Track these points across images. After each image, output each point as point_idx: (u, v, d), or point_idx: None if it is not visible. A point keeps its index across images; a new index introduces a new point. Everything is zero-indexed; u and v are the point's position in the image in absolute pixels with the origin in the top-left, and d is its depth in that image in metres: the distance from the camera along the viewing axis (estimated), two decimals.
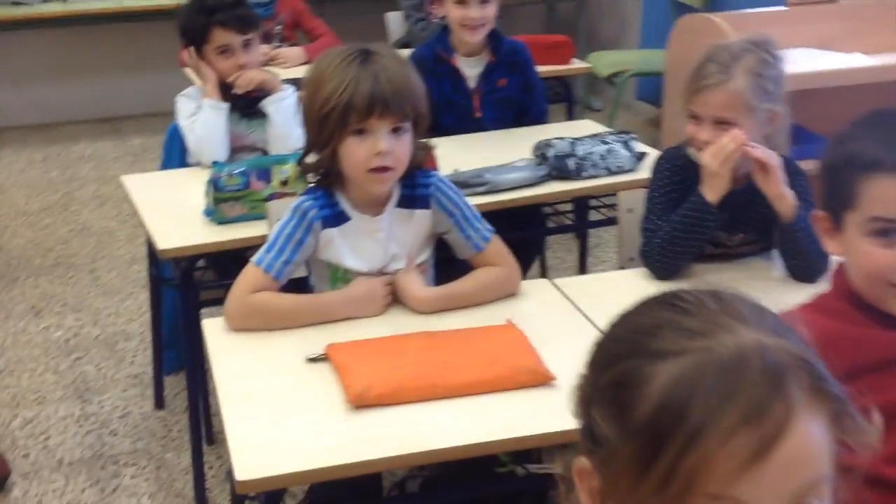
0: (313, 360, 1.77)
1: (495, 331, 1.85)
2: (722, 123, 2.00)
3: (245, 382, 1.72)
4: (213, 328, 1.91)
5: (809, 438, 0.75)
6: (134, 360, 3.15)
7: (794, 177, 2.03)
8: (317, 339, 1.83)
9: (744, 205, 2.07)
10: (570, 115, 4.01)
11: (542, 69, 3.72)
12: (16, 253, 3.98)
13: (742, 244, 2.15)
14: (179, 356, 3.04)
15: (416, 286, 1.94)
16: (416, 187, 1.98)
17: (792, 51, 3.39)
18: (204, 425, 2.63)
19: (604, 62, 4.86)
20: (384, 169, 1.86)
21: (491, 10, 2.96)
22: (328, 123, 1.83)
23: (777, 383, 0.74)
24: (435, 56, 3.04)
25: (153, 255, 2.60)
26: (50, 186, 4.74)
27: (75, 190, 4.70)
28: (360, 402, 1.63)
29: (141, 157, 5.16)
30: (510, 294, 2.00)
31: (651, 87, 5.55)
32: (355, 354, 1.75)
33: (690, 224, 2.01)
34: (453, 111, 3.00)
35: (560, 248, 3.84)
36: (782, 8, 3.57)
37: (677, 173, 2.12)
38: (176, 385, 2.98)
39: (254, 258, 1.92)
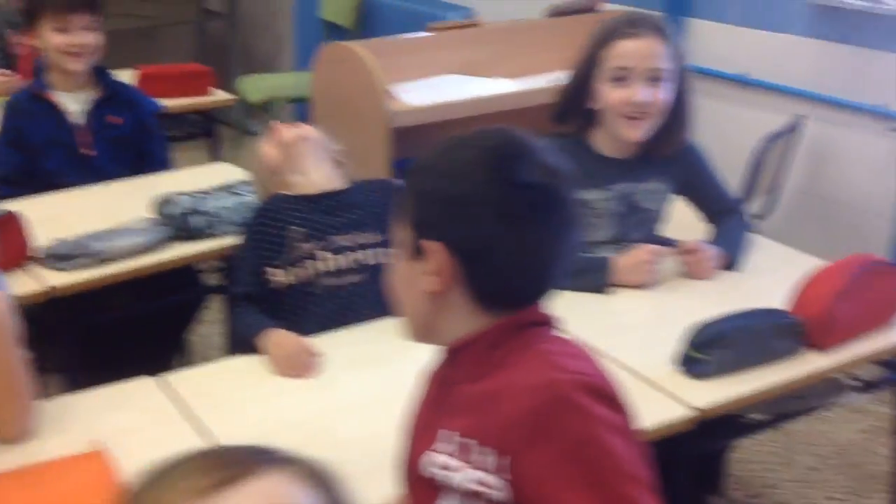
0: None
1: (74, 465, 1.47)
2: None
3: None
4: None
5: None
6: None
7: None
8: None
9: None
10: (216, 151, 3.66)
11: (178, 102, 3.41)
12: None
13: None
14: None
15: None
16: None
17: (437, 78, 3.27)
18: None
19: (255, 88, 4.56)
20: None
21: (95, 38, 2.68)
22: None
23: None
24: (31, 95, 2.70)
25: None
26: None
27: None
28: None
29: None
30: None
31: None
32: None
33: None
34: (58, 151, 2.70)
35: None
36: (424, 34, 3.45)
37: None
38: None
39: None
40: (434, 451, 1.13)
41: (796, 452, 2.90)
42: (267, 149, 2.12)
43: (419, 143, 2.96)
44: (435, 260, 1.11)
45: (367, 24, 4.67)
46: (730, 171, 3.09)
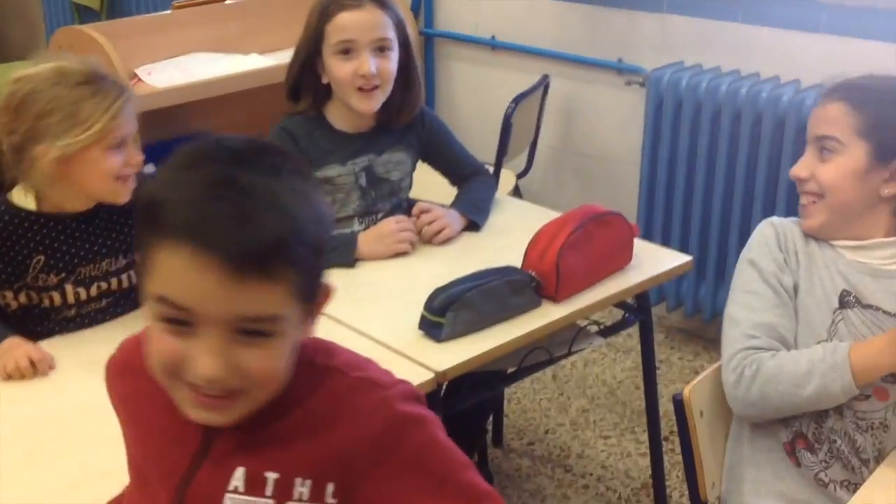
0: None
1: None
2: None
3: None
4: None
5: None
6: None
7: None
8: None
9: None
10: None
11: None
12: None
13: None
14: None
15: None
16: None
17: (184, 57, 3.17)
18: None
19: (3, 77, 4.26)
20: None
21: None
22: None
23: None
24: None
25: None
26: None
27: None
28: None
29: None
30: None
31: None
32: None
33: None
34: None
35: None
36: (166, 12, 3.32)
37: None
38: None
39: None
40: (233, 492, 1.04)
41: (570, 396, 3.03)
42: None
43: (169, 126, 2.88)
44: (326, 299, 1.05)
45: (115, 6, 4.46)
46: (486, 134, 3.17)
